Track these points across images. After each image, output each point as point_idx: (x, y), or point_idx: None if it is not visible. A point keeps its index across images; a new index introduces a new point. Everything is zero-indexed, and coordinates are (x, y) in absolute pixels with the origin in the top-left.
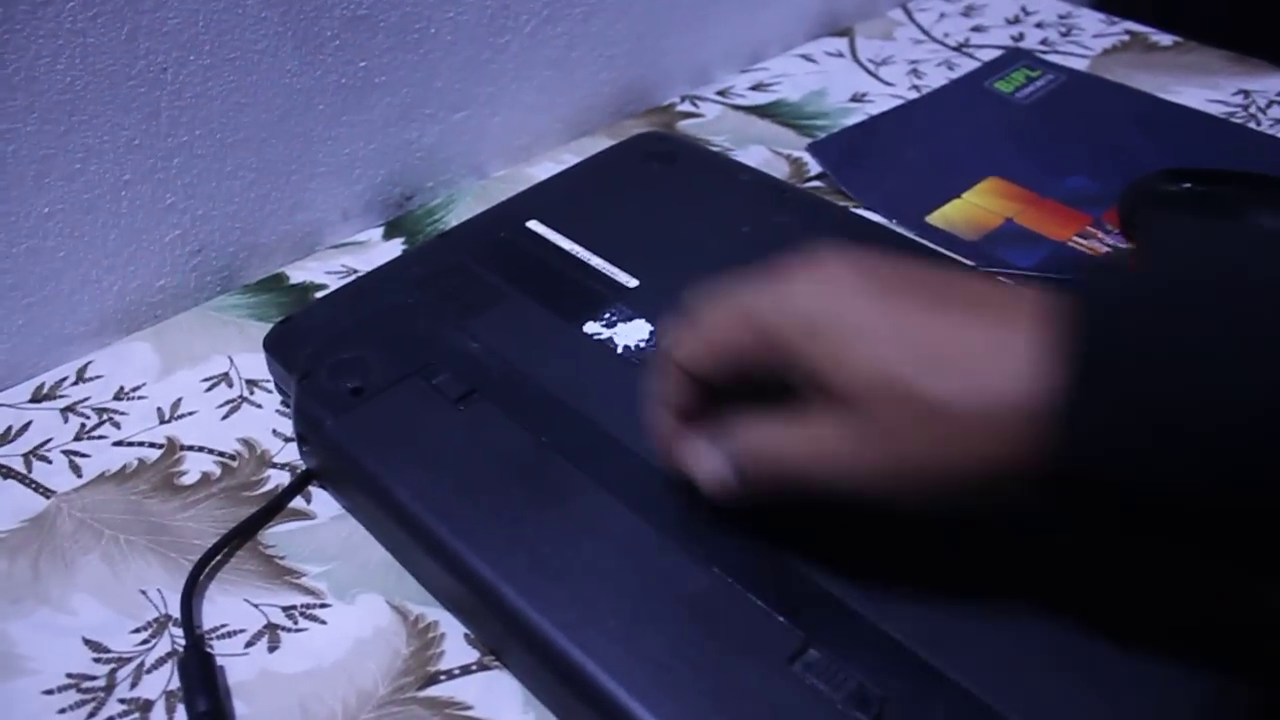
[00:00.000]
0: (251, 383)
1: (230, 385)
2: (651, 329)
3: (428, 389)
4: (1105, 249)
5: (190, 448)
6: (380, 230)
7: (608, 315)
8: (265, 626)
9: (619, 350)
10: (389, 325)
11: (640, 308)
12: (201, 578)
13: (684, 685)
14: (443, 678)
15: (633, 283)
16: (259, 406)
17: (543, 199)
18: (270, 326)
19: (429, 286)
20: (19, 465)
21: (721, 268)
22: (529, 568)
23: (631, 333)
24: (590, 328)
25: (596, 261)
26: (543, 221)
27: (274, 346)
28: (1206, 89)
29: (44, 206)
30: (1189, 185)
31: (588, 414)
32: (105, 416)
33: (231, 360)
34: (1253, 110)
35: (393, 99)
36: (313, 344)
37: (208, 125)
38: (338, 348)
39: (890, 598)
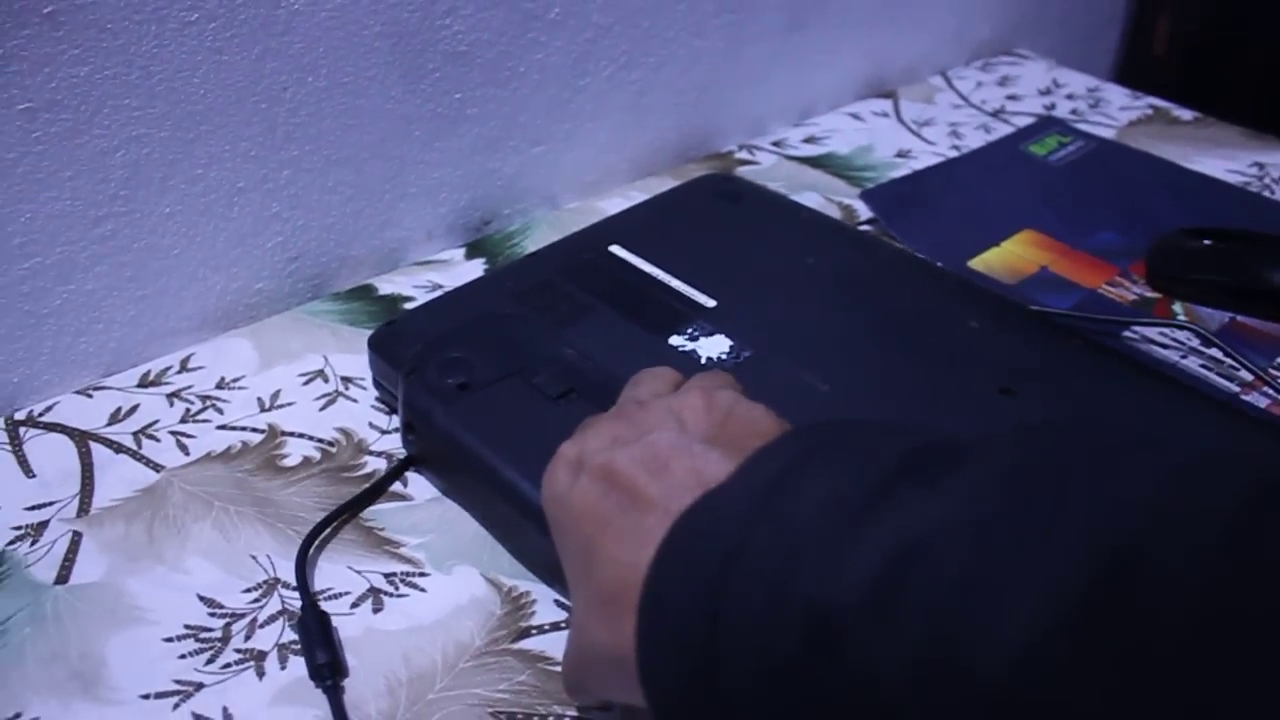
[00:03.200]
0: (346, 379)
1: (326, 381)
2: (731, 343)
3: (528, 387)
4: (1133, 297)
5: (291, 434)
6: (462, 250)
7: (690, 330)
8: (369, 590)
9: (703, 361)
10: (488, 330)
11: (720, 324)
12: (312, 547)
13: None
14: (534, 632)
15: (711, 303)
16: (354, 401)
17: (622, 227)
18: (361, 331)
19: (523, 299)
20: (129, 442)
21: (791, 292)
22: None
23: (714, 346)
24: (675, 340)
25: (676, 283)
26: (624, 246)
27: (379, 345)
28: (1224, 160)
29: (166, 207)
30: (1209, 241)
31: None
32: (209, 403)
33: (326, 359)
34: (1266, 181)
35: (481, 130)
36: (416, 344)
37: (317, 142)
38: (441, 348)
39: None
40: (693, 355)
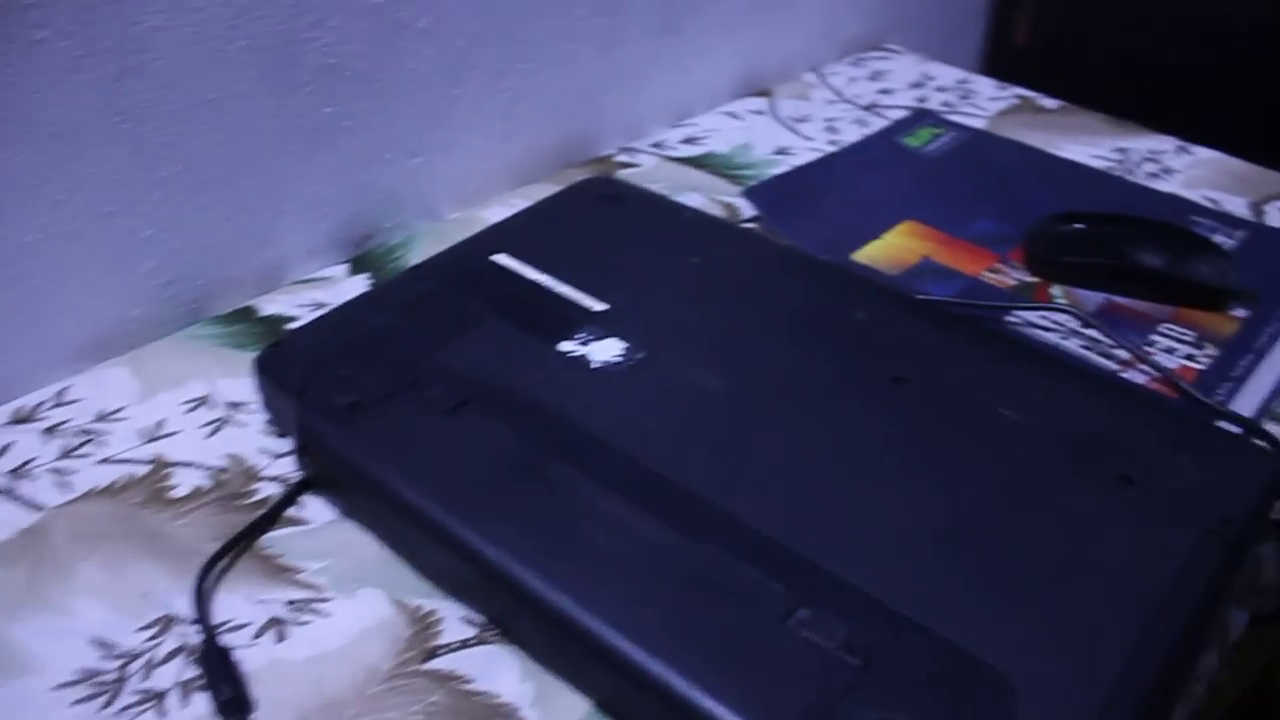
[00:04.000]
0: (233, 405)
1: (212, 407)
2: (624, 345)
3: (421, 401)
4: (1013, 282)
5: (178, 464)
6: (345, 267)
7: (581, 335)
8: (271, 620)
9: (594, 365)
10: (376, 347)
11: (611, 328)
12: (209, 578)
13: (694, 640)
14: (442, 651)
15: (600, 306)
16: (243, 426)
17: (505, 235)
18: (245, 354)
19: (409, 313)
20: (4, 483)
21: (680, 293)
22: (536, 547)
23: (606, 350)
24: (565, 346)
25: (563, 289)
26: (508, 254)
27: (266, 367)
28: (1089, 146)
29: (28, 235)
30: (1081, 226)
31: (573, 419)
32: (89, 436)
33: (210, 384)
34: (1128, 165)
35: (356, 143)
36: (304, 364)
37: (187, 161)
38: (330, 367)
39: (861, 560)
40: (584, 360)
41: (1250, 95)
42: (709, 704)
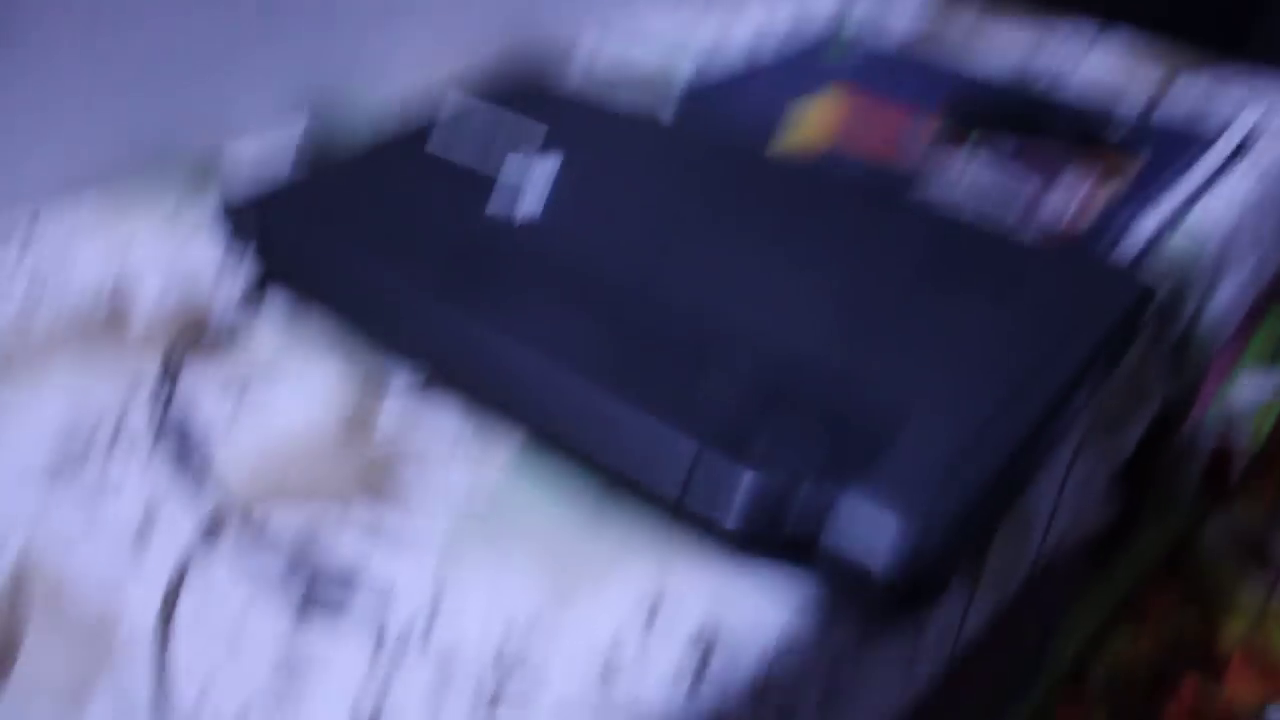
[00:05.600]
0: (196, 228)
1: (176, 235)
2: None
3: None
4: (928, 139)
5: (145, 275)
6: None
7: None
8: (234, 388)
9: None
10: (330, 194)
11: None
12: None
13: (619, 370)
14: (390, 400)
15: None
16: (207, 249)
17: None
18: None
19: (346, 189)
20: None
21: (597, 176)
22: (490, 308)
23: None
24: (494, 208)
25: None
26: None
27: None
28: (1008, 35)
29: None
30: (995, 92)
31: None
32: (62, 254)
33: (177, 210)
34: (1044, 52)
35: (306, 20)
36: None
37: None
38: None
39: (770, 330)
40: (508, 219)
41: None
42: (636, 412)
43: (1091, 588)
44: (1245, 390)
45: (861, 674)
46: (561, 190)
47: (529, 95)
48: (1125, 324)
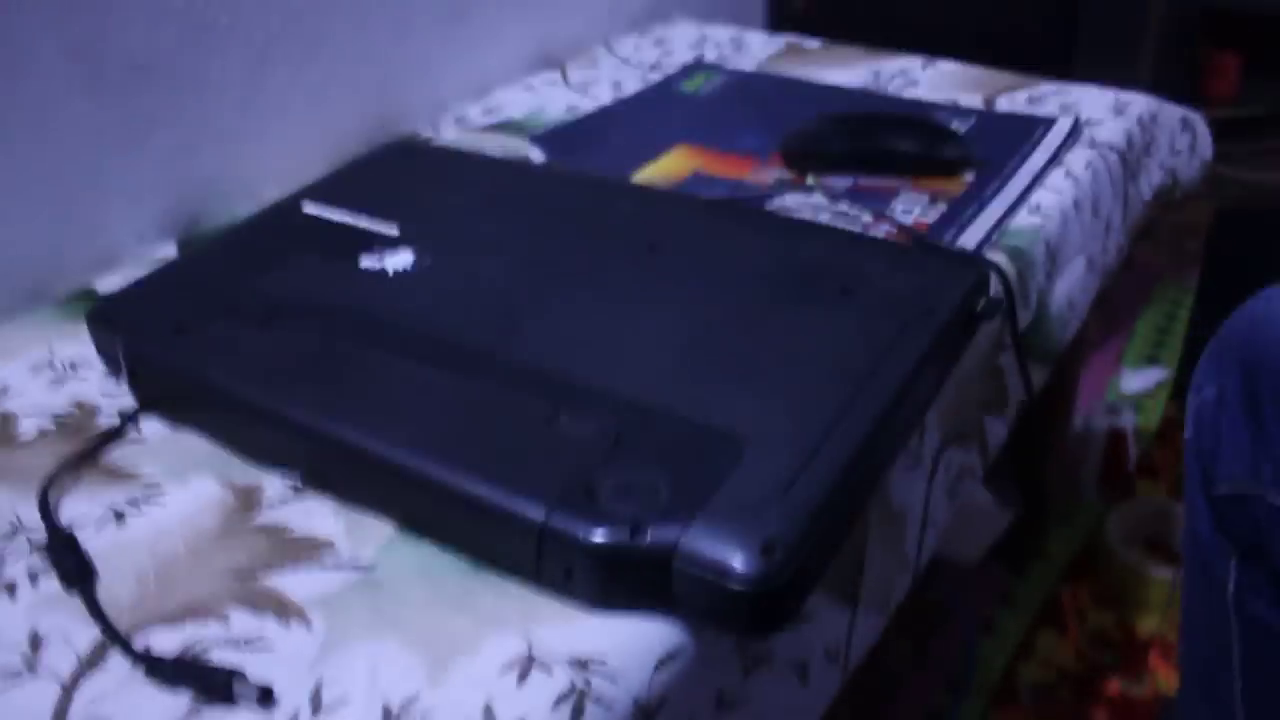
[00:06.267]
0: (72, 365)
1: (53, 368)
2: (414, 255)
3: (235, 319)
4: (772, 179)
5: (24, 415)
6: (174, 246)
7: (377, 251)
8: (112, 514)
9: (389, 273)
10: (194, 287)
11: (405, 244)
12: (51, 489)
13: (472, 448)
14: (265, 508)
15: (396, 231)
16: (83, 380)
17: (314, 190)
18: (82, 325)
19: (224, 257)
20: None
21: (466, 212)
22: (338, 405)
23: (399, 260)
24: (365, 262)
25: (364, 222)
26: (315, 202)
27: (96, 317)
28: (846, 71)
29: None
30: (829, 124)
31: (369, 313)
32: None
33: (51, 349)
34: (881, 81)
35: (175, 135)
36: (130, 307)
37: (10, 158)
38: (153, 305)
39: (619, 372)
40: (380, 271)
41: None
42: (485, 490)
43: (1013, 594)
44: (1132, 381)
45: (750, 701)
46: (428, 245)
47: (401, 150)
48: (964, 306)
